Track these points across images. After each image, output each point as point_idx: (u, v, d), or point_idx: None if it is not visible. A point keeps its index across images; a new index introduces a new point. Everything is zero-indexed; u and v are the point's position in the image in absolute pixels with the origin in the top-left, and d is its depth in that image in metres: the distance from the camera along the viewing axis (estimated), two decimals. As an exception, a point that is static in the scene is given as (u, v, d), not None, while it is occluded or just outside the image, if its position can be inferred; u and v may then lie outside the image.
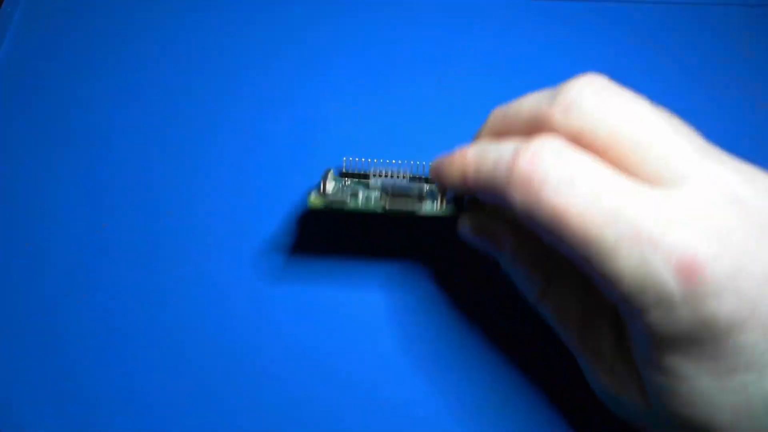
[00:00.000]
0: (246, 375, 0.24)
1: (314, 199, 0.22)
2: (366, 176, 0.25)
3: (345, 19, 0.34)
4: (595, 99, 0.16)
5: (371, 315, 0.25)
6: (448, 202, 0.22)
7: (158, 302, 0.26)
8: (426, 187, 0.22)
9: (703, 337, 0.15)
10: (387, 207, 0.22)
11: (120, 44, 0.33)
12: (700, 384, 0.15)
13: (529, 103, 0.18)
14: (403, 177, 0.24)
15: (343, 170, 0.25)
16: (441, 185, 0.20)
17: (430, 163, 0.21)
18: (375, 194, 0.23)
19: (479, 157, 0.18)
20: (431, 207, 0.22)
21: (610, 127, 0.16)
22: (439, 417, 0.24)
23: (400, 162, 0.25)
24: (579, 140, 0.17)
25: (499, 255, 0.20)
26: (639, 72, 0.32)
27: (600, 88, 0.17)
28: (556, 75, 0.31)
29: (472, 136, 0.23)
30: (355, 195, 0.23)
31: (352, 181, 0.25)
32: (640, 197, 0.15)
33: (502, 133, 0.19)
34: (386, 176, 0.24)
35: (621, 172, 0.16)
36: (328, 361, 0.25)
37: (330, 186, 0.23)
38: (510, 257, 0.20)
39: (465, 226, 0.21)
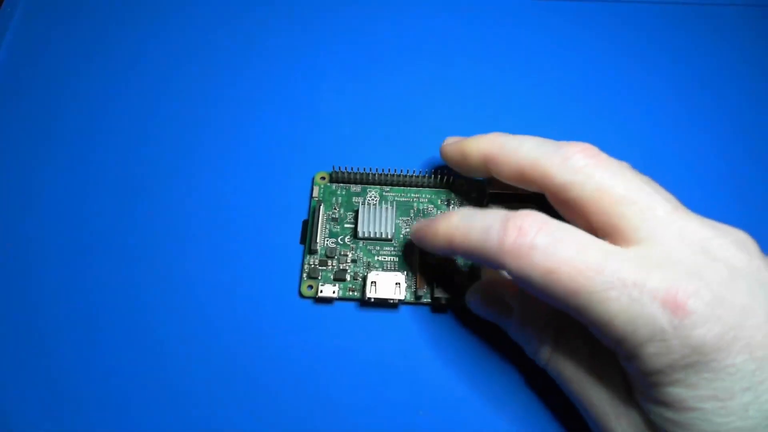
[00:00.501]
0: (235, 377, 0.25)
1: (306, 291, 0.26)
2: (357, 181, 0.28)
3: (342, 14, 0.34)
4: (588, 160, 0.20)
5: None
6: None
7: (149, 303, 0.26)
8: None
9: (697, 364, 0.17)
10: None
11: (121, 45, 0.32)
12: (706, 411, 0.17)
13: (531, 146, 0.21)
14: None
15: (333, 175, 0.28)
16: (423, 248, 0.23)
17: (412, 228, 0.24)
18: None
19: (465, 227, 0.20)
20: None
21: (597, 182, 0.19)
22: None
23: (392, 171, 0.27)
24: (568, 192, 0.20)
25: (506, 324, 0.23)
26: (642, 71, 0.32)
27: (594, 153, 0.20)
28: (558, 74, 0.32)
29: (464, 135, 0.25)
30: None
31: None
32: (620, 252, 0.18)
33: (492, 162, 0.23)
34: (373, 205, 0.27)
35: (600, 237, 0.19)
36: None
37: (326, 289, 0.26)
38: (517, 324, 0.22)
39: (473, 299, 0.24)
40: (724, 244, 0.18)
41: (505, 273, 0.24)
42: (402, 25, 0.33)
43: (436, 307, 0.26)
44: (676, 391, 0.17)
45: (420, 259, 0.26)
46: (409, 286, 0.26)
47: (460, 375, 0.25)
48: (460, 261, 0.26)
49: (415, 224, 0.24)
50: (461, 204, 0.27)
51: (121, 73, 0.32)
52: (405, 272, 0.26)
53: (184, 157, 0.29)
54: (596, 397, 0.20)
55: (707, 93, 0.31)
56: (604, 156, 0.20)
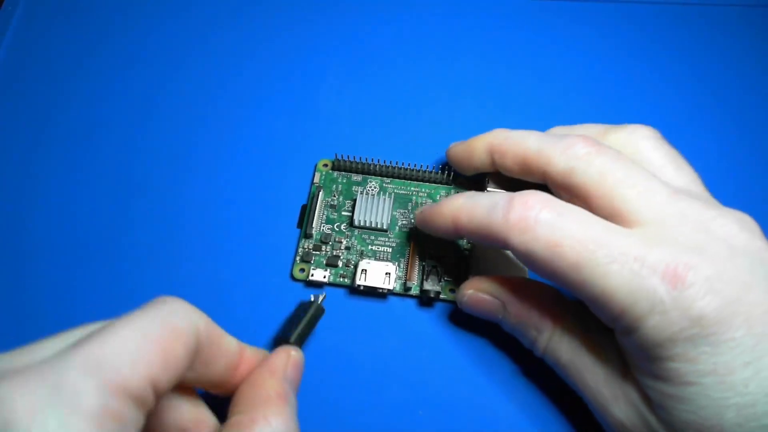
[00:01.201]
0: None
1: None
2: (358, 171, 0.28)
3: (345, 10, 0.34)
4: (589, 148, 0.21)
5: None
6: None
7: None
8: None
9: (696, 337, 0.17)
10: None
11: (121, 42, 0.33)
12: (705, 385, 0.17)
13: (535, 138, 0.22)
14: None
15: (335, 163, 0.28)
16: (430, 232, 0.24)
17: (416, 212, 0.25)
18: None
19: (471, 205, 0.21)
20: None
21: (599, 167, 0.20)
22: None
23: (394, 163, 0.27)
24: (570, 177, 0.21)
25: (499, 319, 0.23)
26: (645, 70, 0.32)
27: (594, 142, 0.21)
28: (560, 73, 0.32)
29: (466, 137, 0.25)
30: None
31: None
32: (622, 230, 0.19)
33: (497, 152, 0.23)
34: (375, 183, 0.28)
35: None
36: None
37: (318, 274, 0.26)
38: (512, 318, 0.22)
39: (464, 298, 0.23)
40: (725, 223, 0.18)
41: (509, 254, 0.25)
42: (415, 21, 0.34)
43: (423, 300, 0.26)
44: (676, 366, 0.17)
45: (413, 251, 0.26)
46: (399, 277, 0.26)
47: (444, 368, 0.25)
48: (453, 257, 0.26)
49: (420, 208, 0.25)
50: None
51: (123, 72, 0.32)
52: (396, 263, 0.26)
53: (191, 141, 0.30)
54: (593, 380, 0.20)
55: (709, 92, 0.31)
56: (604, 145, 0.21)
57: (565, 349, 0.21)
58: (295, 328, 0.23)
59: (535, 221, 0.19)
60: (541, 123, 0.26)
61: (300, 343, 0.22)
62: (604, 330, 0.21)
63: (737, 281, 0.17)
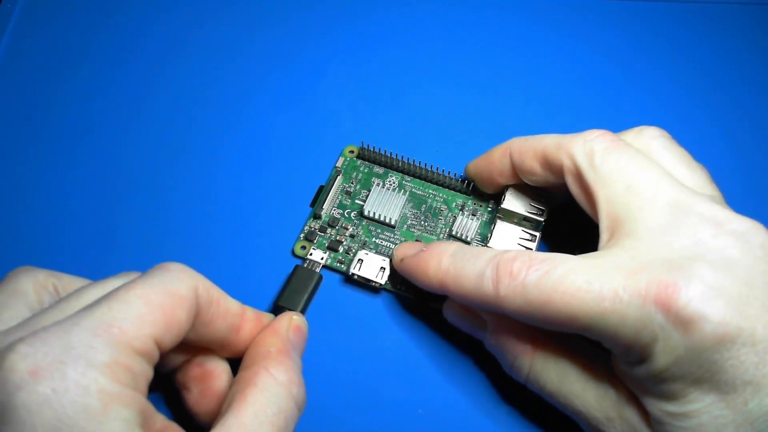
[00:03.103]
0: None
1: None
2: (381, 163, 0.28)
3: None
4: (607, 143, 0.21)
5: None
6: None
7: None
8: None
9: (700, 359, 0.16)
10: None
11: (122, 41, 0.33)
12: (707, 404, 0.17)
13: (554, 135, 0.22)
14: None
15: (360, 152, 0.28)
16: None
17: (395, 253, 0.24)
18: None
19: (458, 273, 0.21)
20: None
21: (612, 166, 0.20)
22: None
23: (417, 162, 0.27)
24: (583, 171, 0.21)
25: (482, 336, 0.23)
26: (651, 67, 0.32)
27: (613, 137, 0.21)
28: (575, 72, 0.31)
29: (486, 147, 0.25)
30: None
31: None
32: (608, 258, 0.18)
33: (516, 152, 0.23)
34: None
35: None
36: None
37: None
38: (492, 337, 0.22)
39: (450, 310, 0.24)
40: (728, 233, 0.18)
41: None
42: (461, 24, 0.34)
43: (414, 302, 0.25)
44: (681, 387, 0.17)
45: None
46: (393, 275, 0.25)
47: (428, 369, 0.24)
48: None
49: (399, 250, 0.24)
50: (475, 211, 0.27)
51: (124, 70, 0.32)
52: None
53: (231, 116, 0.31)
54: (584, 405, 0.20)
55: (714, 89, 0.31)
56: (623, 141, 0.21)
57: (550, 377, 0.21)
58: (300, 296, 0.24)
59: (523, 287, 0.19)
60: (559, 120, 0.26)
61: (304, 311, 0.24)
62: (590, 355, 0.20)
63: (737, 296, 0.17)
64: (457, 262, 0.21)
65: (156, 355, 0.17)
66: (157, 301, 0.17)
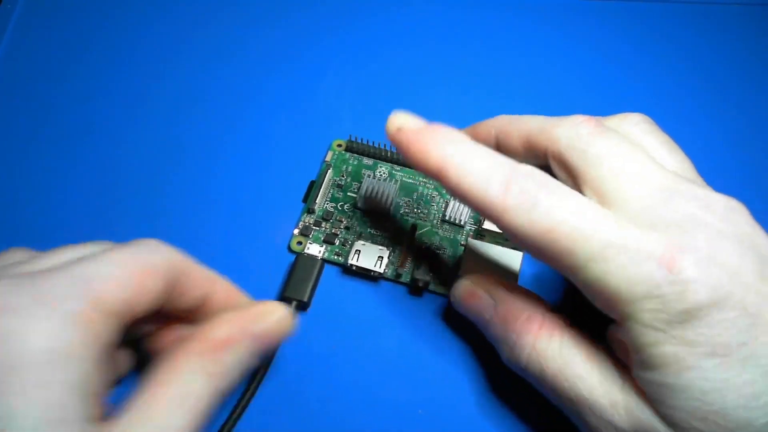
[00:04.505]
0: None
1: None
2: (370, 155, 0.28)
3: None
4: (592, 128, 0.21)
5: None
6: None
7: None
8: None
9: (692, 319, 0.17)
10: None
11: (122, 41, 0.34)
12: (704, 368, 0.17)
13: (540, 118, 0.22)
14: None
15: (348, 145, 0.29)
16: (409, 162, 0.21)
17: (396, 129, 0.21)
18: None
19: (463, 166, 0.19)
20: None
21: (598, 149, 0.20)
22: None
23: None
24: (569, 153, 0.21)
25: (486, 324, 0.22)
26: (652, 67, 0.32)
27: (597, 122, 0.21)
28: (570, 70, 0.32)
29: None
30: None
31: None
32: (617, 215, 0.19)
33: (502, 132, 0.23)
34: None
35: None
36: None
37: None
38: (498, 318, 0.22)
39: (456, 294, 0.23)
40: (716, 208, 0.18)
41: (501, 256, 0.25)
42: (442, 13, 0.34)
43: (413, 289, 0.26)
44: (674, 350, 0.17)
45: (409, 240, 0.26)
46: (392, 263, 0.26)
47: (428, 356, 0.24)
48: (449, 251, 0.26)
49: (396, 118, 0.21)
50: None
51: (124, 69, 0.33)
52: (391, 249, 0.26)
53: (211, 115, 0.31)
54: (587, 388, 0.19)
55: (717, 88, 0.31)
56: (606, 127, 0.21)
57: (553, 357, 0.20)
58: (306, 285, 0.25)
59: (531, 206, 0.18)
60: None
61: (310, 298, 0.25)
62: (595, 335, 0.20)
63: (728, 265, 0.17)
64: (464, 153, 0.19)
65: (126, 321, 0.17)
66: (134, 267, 0.18)
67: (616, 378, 0.19)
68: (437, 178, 0.20)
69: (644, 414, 0.18)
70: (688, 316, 0.17)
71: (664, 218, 0.18)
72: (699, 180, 0.21)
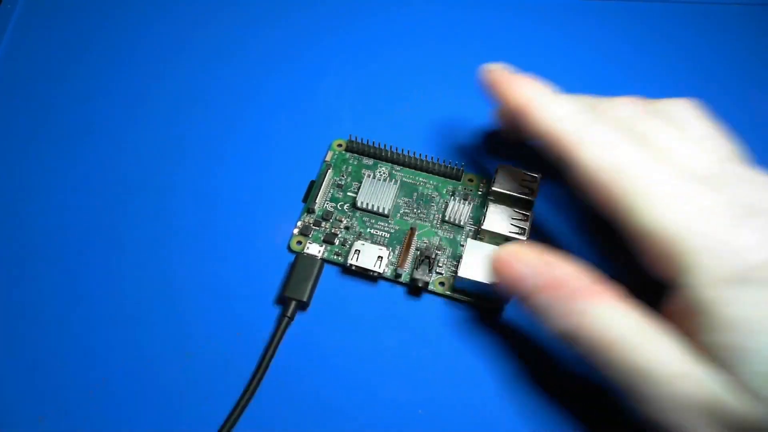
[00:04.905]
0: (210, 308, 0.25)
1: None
2: (370, 155, 0.29)
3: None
4: (632, 108, 0.23)
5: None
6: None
7: (158, 294, 0.26)
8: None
9: (752, 279, 0.17)
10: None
11: (122, 41, 0.34)
12: (753, 307, 0.17)
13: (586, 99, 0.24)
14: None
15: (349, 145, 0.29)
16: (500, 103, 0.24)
17: (487, 71, 0.24)
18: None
19: (544, 102, 0.22)
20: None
21: (644, 129, 0.21)
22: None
23: (405, 151, 0.27)
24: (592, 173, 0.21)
25: (530, 291, 0.20)
26: (652, 67, 0.32)
27: (644, 104, 0.23)
28: (572, 70, 0.32)
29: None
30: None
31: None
32: (685, 173, 0.19)
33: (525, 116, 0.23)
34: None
35: None
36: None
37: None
38: (544, 290, 0.20)
39: (503, 257, 0.21)
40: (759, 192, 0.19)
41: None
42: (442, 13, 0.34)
43: (412, 289, 0.26)
44: (736, 312, 0.17)
45: (408, 240, 0.26)
46: (391, 263, 0.26)
47: (427, 356, 0.24)
48: (448, 251, 0.26)
49: (492, 68, 0.24)
50: (466, 196, 0.27)
51: (124, 68, 0.33)
52: (391, 249, 0.26)
53: (209, 115, 0.31)
54: (651, 358, 0.18)
55: (717, 88, 0.31)
56: (651, 112, 0.22)
57: (613, 324, 0.18)
58: (306, 284, 0.25)
59: (603, 143, 0.20)
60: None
61: (310, 298, 0.25)
62: (657, 304, 0.19)
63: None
64: (545, 96, 0.22)
65: None
66: None
67: (682, 346, 0.18)
68: (514, 113, 0.22)
69: (715, 382, 0.17)
70: (746, 276, 0.17)
71: (729, 187, 0.19)
72: (741, 170, 0.21)
